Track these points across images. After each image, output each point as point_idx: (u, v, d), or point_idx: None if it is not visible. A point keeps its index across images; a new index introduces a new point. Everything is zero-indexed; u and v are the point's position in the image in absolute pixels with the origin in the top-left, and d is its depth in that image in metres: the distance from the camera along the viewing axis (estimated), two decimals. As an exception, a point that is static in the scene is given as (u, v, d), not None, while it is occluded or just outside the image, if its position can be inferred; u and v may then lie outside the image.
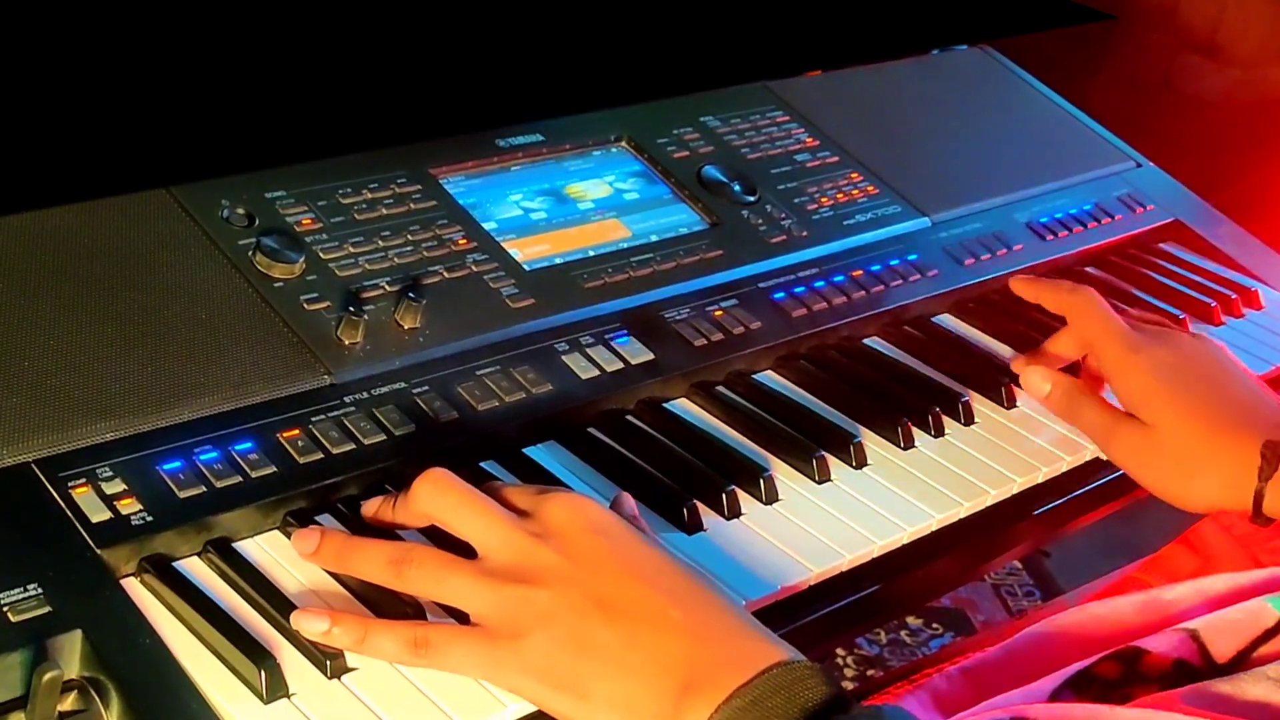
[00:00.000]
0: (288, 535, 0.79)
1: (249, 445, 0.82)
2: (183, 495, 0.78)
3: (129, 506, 0.76)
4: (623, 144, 1.17)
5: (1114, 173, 1.38)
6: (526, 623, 0.70)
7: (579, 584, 0.70)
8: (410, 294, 0.93)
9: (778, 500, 0.90)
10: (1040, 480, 0.99)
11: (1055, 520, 1.00)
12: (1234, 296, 1.24)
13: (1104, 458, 1.00)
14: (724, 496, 0.88)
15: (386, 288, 0.95)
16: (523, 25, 1.51)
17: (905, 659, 1.90)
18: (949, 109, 1.38)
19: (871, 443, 0.97)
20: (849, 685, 1.77)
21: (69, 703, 0.68)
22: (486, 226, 1.03)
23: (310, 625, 0.72)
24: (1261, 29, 2.11)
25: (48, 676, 0.66)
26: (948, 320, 1.16)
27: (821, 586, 0.86)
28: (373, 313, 0.93)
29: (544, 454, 0.91)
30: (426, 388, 0.90)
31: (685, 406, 0.99)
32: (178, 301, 0.89)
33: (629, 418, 0.96)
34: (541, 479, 0.88)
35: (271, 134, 1.21)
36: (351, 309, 0.91)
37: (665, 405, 0.98)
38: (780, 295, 1.08)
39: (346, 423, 0.85)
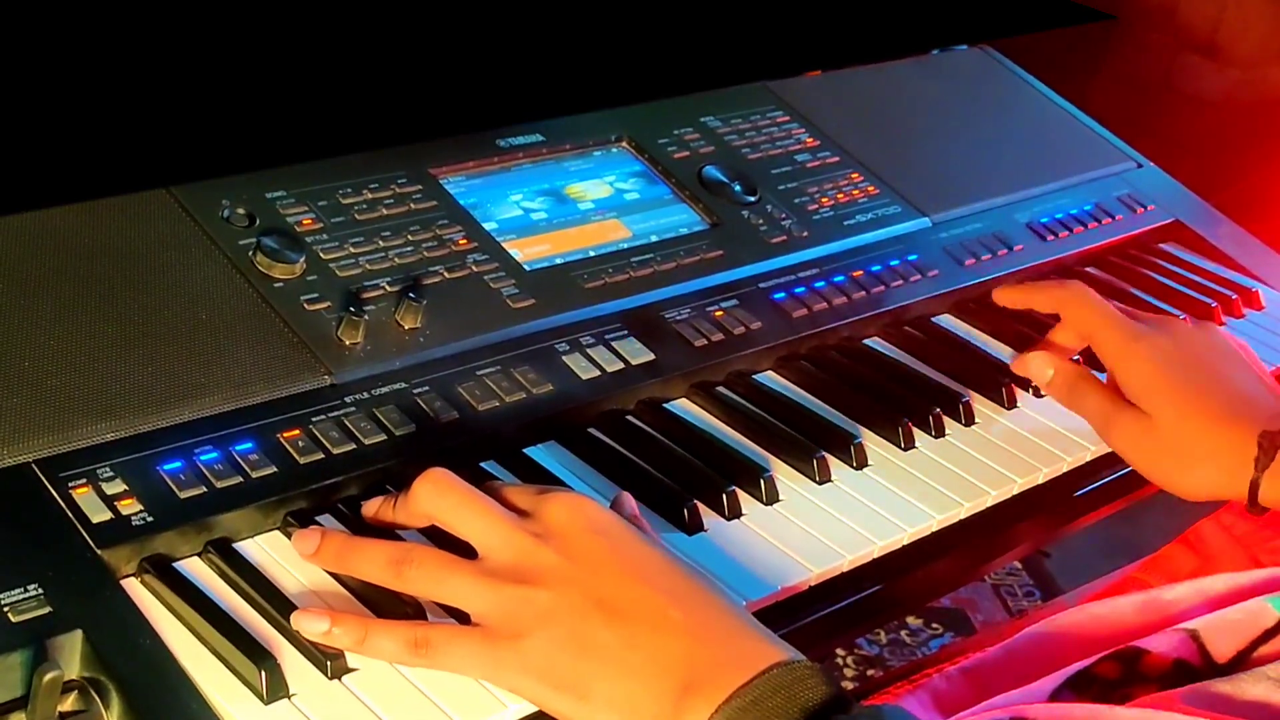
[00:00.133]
0: (288, 535, 0.79)
1: (249, 445, 0.82)
2: (183, 495, 0.78)
3: (129, 507, 0.76)
4: (623, 144, 1.17)
5: (1114, 173, 1.38)
6: (527, 623, 0.70)
7: (579, 584, 0.70)
8: (411, 294, 0.93)
9: (778, 501, 0.90)
10: (1040, 480, 0.99)
11: (1055, 520, 1.00)
12: (1234, 296, 1.24)
13: (1104, 458, 1.00)
14: (724, 497, 0.88)
15: (387, 288, 0.95)
16: (523, 25, 1.51)
17: (905, 659, 1.90)
18: (949, 109, 1.38)
19: (872, 443, 0.97)
20: (849, 685, 1.77)
21: (69, 703, 0.68)
22: (487, 226, 1.03)
23: (310, 625, 0.72)
24: (1261, 29, 2.11)
25: (48, 677, 0.66)
26: (948, 320, 1.17)
27: (822, 587, 0.86)
28: (373, 313, 0.93)
29: (544, 454, 0.91)
30: (427, 388, 0.90)
31: (685, 407, 0.99)
32: (178, 301, 0.89)
33: (629, 418, 0.96)
34: (542, 479, 0.88)
35: (272, 134, 1.21)
36: (352, 309, 0.91)
37: (665, 405, 0.98)
38: (780, 295, 1.08)
39: (347, 423, 0.85)
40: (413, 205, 1.02)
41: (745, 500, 0.89)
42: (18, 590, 0.70)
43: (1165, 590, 0.82)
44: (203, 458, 0.80)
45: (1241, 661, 0.71)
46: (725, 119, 1.24)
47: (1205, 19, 2.14)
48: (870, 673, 1.88)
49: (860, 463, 0.95)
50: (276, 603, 0.74)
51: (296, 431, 0.84)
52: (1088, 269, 1.27)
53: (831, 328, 1.08)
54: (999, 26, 1.82)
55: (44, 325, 0.84)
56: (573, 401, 0.94)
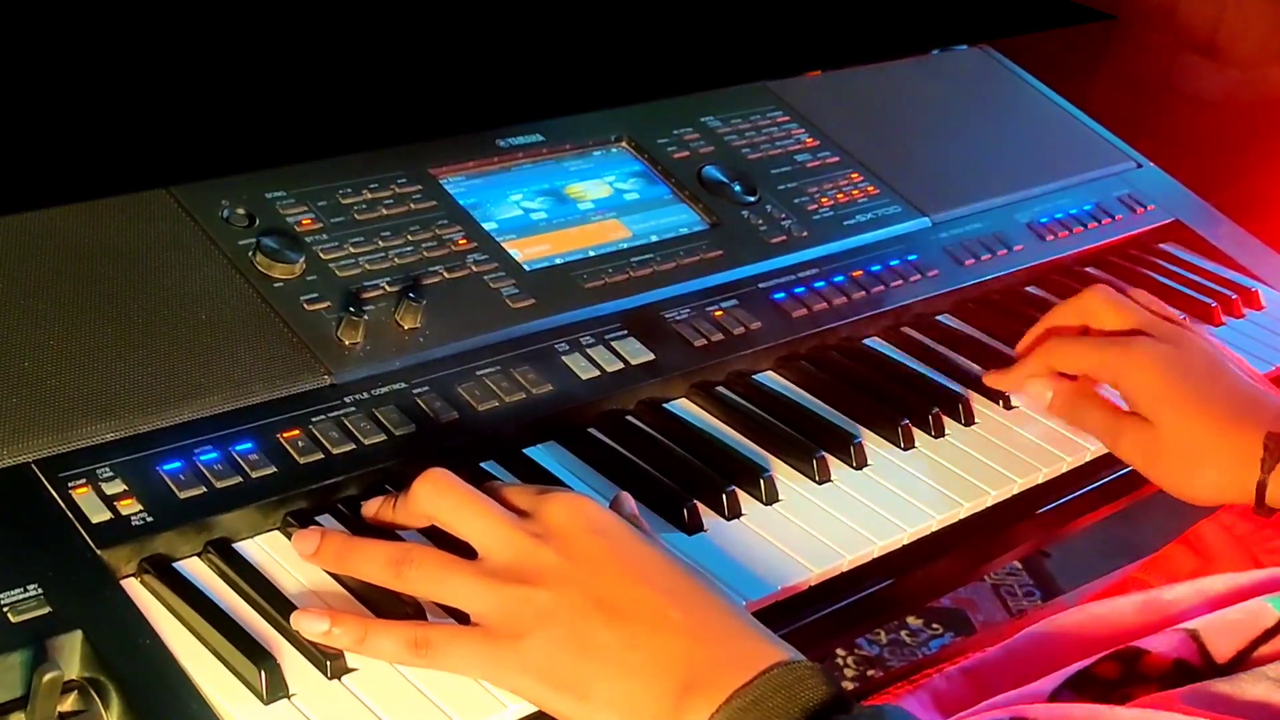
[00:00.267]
0: (288, 536, 0.79)
1: (249, 445, 0.82)
2: (183, 496, 0.78)
3: (129, 507, 0.76)
4: (623, 144, 1.17)
5: (1114, 173, 1.38)
6: (527, 623, 0.70)
7: (579, 584, 0.70)
8: (410, 294, 0.93)
9: (778, 501, 0.90)
10: (1040, 480, 0.99)
11: (1055, 520, 1.00)
12: (1234, 296, 1.24)
13: (1104, 458, 1.00)
14: (724, 497, 0.88)
15: (387, 288, 0.95)
16: (523, 25, 1.52)
17: (905, 659, 1.90)
18: (949, 109, 1.38)
19: (872, 443, 0.97)
20: (849, 685, 1.77)
21: (69, 703, 0.68)
22: (487, 227, 1.03)
23: (310, 625, 0.72)
24: (1261, 29, 2.11)
25: (48, 677, 0.66)
26: (948, 320, 1.16)
27: (822, 587, 0.86)
28: (373, 313, 0.93)
29: (544, 454, 0.91)
30: (427, 388, 0.90)
31: (685, 407, 0.99)
32: (178, 301, 0.89)
33: (629, 418, 0.96)
34: (541, 479, 0.88)
35: (271, 134, 1.22)
36: (352, 309, 0.91)
37: (665, 405, 0.98)
38: (780, 295, 1.08)
39: (347, 423, 0.85)
40: (412, 205, 1.02)
41: (745, 500, 0.89)
42: (17, 590, 0.70)
43: (1165, 590, 0.82)
44: (202, 458, 0.80)
45: (1241, 661, 0.71)
46: (725, 119, 1.24)
47: (1205, 19, 2.14)
48: (870, 673, 1.88)
49: (860, 463, 0.95)
50: (276, 603, 0.74)
51: (296, 431, 0.84)
52: (1088, 269, 1.27)
53: (831, 328, 1.08)
54: (999, 26, 1.82)
55: (44, 325, 0.84)
56: (572, 402, 0.93)
